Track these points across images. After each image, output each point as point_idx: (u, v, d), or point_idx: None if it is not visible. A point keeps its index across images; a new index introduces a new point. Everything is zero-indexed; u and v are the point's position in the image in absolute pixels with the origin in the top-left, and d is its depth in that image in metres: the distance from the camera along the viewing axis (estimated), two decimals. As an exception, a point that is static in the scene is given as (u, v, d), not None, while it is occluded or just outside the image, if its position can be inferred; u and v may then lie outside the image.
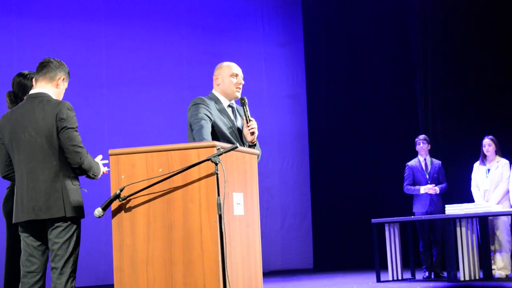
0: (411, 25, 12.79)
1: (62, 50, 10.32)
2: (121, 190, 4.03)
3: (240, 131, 4.91)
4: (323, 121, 12.91)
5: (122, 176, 4.08)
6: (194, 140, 4.64)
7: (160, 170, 4.02)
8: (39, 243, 4.40)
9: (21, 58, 10.00)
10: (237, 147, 4.06)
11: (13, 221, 4.44)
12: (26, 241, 4.42)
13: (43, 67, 4.50)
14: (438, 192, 9.85)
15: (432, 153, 10.21)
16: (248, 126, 4.79)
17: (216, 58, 11.71)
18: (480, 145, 9.59)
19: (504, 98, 11.92)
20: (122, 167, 4.09)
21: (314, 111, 12.83)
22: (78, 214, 4.34)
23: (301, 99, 12.77)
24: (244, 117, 4.81)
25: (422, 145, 10.02)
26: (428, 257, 9.96)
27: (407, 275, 9.85)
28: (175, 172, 3.96)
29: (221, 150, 3.94)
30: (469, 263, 8.93)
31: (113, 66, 10.94)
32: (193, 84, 11.47)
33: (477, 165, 9.59)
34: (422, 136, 10.17)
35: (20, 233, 4.45)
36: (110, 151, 4.17)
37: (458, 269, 8.94)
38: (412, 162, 10.08)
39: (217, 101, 4.94)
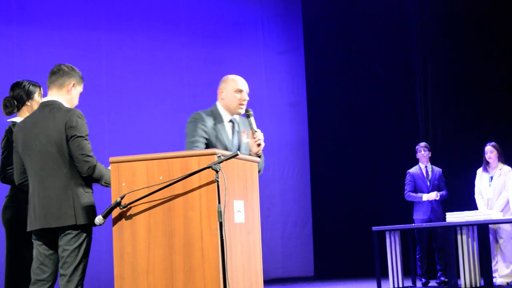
0: (411, 32, 12.79)
1: (62, 58, 10.23)
2: (121, 198, 4.02)
3: (238, 148, 4.84)
4: (324, 129, 12.90)
5: (123, 184, 4.07)
6: None
7: (160, 178, 4.02)
8: (51, 251, 4.38)
9: (21, 66, 10.00)
10: (237, 154, 4.06)
11: (27, 229, 4.43)
12: (39, 249, 4.40)
13: (53, 74, 4.50)
14: (439, 198, 9.85)
15: (432, 161, 10.21)
16: (254, 138, 4.74)
17: (217, 66, 11.73)
18: (481, 152, 9.59)
19: (505, 105, 11.91)
20: (123, 175, 4.09)
21: (315, 119, 12.82)
22: (89, 222, 4.32)
23: (302, 107, 12.77)
24: (250, 129, 4.77)
25: (423, 152, 10.02)
26: (424, 264, 9.97)
27: (408, 283, 9.84)
28: (176, 180, 3.96)
29: (222, 157, 3.94)
30: (470, 270, 8.92)
31: (113, 74, 10.93)
32: (193, 92, 11.47)
33: (480, 172, 9.58)
34: (423, 144, 10.19)
35: (33, 241, 4.44)
36: (111, 159, 4.17)
37: (459, 276, 8.93)
38: (413, 170, 10.08)
39: (217, 116, 4.84)
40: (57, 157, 4.32)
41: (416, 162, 10.18)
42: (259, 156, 4.80)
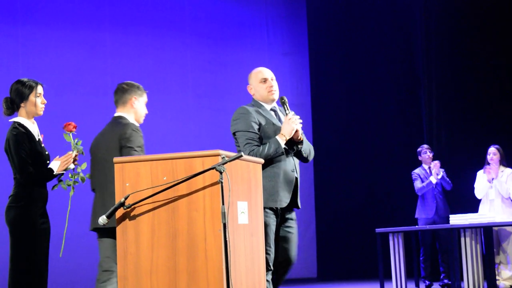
0: (416, 34, 12.80)
1: (68, 58, 10.35)
2: (125, 198, 4.03)
3: None
4: (328, 130, 12.91)
5: (127, 184, 4.08)
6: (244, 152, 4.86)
7: (164, 179, 4.02)
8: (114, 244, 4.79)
9: (26, 65, 10.02)
10: (241, 155, 4.06)
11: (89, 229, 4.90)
12: (100, 245, 4.87)
13: (115, 94, 5.08)
14: (443, 173, 9.84)
15: (435, 162, 10.22)
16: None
17: (221, 66, 11.74)
18: (484, 154, 9.59)
19: (510, 107, 11.90)
20: (127, 175, 4.09)
21: (319, 120, 12.83)
22: None
23: (306, 108, 12.77)
24: (286, 115, 5.02)
25: (429, 153, 10.05)
26: (428, 266, 9.96)
27: (411, 285, 9.83)
28: (180, 181, 3.96)
29: (226, 158, 3.94)
30: (473, 273, 8.91)
31: (119, 74, 10.94)
32: (198, 93, 11.48)
33: (480, 174, 9.58)
34: (426, 146, 10.24)
35: (98, 240, 4.93)
36: (115, 159, 4.18)
37: (462, 279, 8.92)
38: (417, 171, 10.09)
39: (260, 106, 5.14)
40: (110, 165, 4.47)
41: (419, 164, 10.19)
42: (301, 141, 5.05)
